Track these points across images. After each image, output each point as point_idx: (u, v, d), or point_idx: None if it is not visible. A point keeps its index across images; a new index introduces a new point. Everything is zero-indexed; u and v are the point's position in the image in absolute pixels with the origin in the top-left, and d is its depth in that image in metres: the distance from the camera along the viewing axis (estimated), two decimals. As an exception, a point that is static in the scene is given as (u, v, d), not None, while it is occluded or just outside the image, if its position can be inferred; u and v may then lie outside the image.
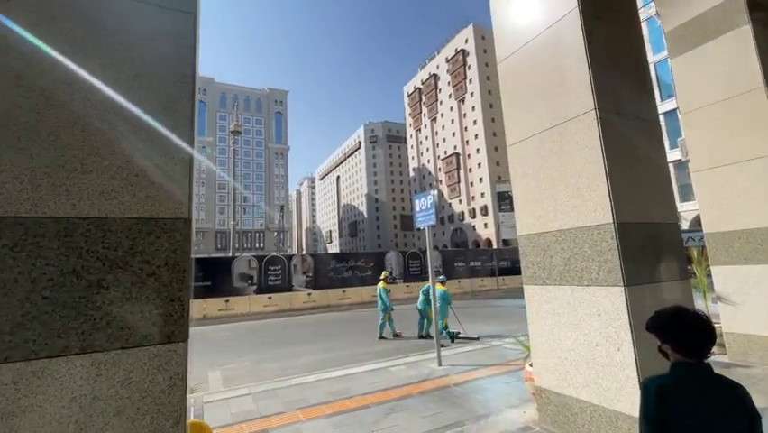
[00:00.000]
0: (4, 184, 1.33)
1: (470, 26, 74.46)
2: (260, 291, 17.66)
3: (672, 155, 39.50)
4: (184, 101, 1.69)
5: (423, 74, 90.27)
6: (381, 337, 9.76)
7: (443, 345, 8.89)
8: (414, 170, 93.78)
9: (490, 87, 71.50)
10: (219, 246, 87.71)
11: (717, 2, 5.40)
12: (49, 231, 1.36)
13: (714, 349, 1.50)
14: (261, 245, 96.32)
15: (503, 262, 25.62)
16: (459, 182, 74.82)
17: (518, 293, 12.32)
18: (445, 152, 79.61)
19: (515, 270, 25.58)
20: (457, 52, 76.68)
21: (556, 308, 3.36)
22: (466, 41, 75.28)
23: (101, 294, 1.42)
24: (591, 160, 3.11)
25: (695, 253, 7.20)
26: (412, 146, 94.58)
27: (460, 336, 9.07)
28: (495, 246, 59.38)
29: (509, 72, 4.07)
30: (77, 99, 1.49)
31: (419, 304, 9.70)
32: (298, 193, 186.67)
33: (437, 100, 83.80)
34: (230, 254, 19.48)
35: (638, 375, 2.74)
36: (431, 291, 8.64)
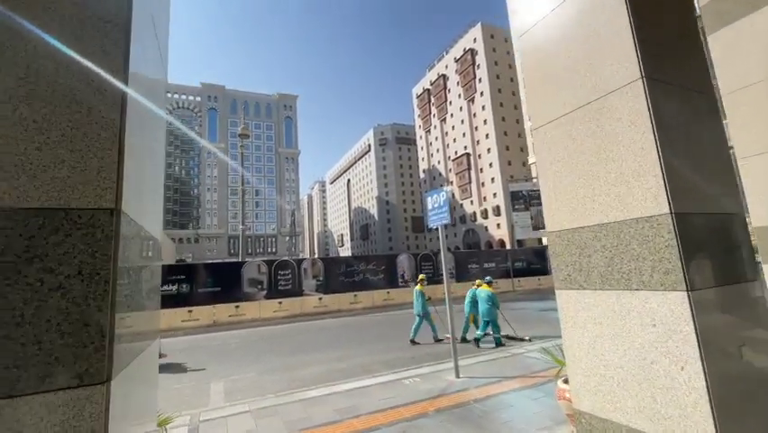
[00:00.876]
0: None
1: (479, 25, 73.72)
2: (270, 296, 17.34)
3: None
4: (109, 45, 1.25)
5: (431, 75, 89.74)
6: (414, 342, 9.20)
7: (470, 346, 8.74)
8: (424, 171, 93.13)
9: (500, 86, 70.59)
10: (232, 252, 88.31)
11: (763, -33, 4.80)
12: None
13: None
14: (274, 250, 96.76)
15: (518, 263, 24.84)
16: (470, 183, 73.89)
17: (535, 295, 11.67)
18: (456, 152, 78.81)
19: (530, 271, 24.83)
20: (465, 52, 75.97)
21: (597, 316, 2.83)
22: (474, 40, 74.53)
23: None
24: (638, 139, 2.59)
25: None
26: (422, 148, 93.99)
27: (509, 336, 8.89)
28: (508, 247, 58.27)
29: (532, 46, 3.56)
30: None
31: (466, 307, 9.43)
32: (309, 197, 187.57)
33: (446, 101, 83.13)
34: (239, 259, 19.23)
35: (710, 401, 2.21)
36: (477, 295, 8.96)
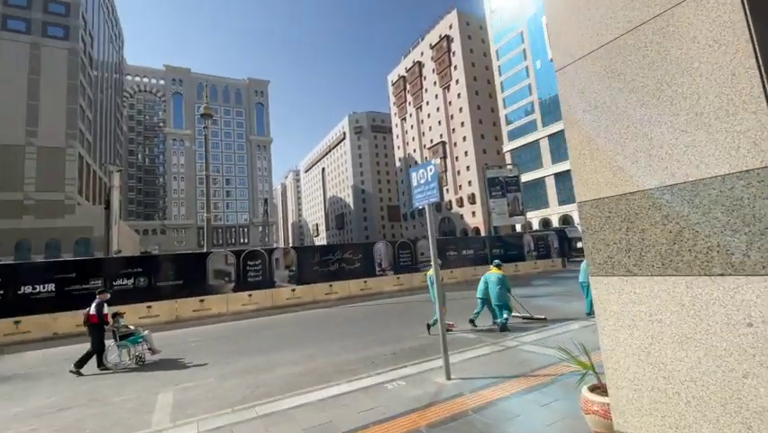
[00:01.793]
0: None
1: (455, 11, 72.86)
2: (238, 289, 16.19)
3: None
4: None
5: (406, 62, 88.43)
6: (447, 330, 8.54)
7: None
8: (400, 159, 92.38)
9: (475, 74, 70.32)
10: (202, 243, 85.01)
11: None
12: None
13: None
14: (246, 240, 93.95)
15: (495, 250, 24.62)
16: (446, 171, 73.81)
17: (514, 282, 11.12)
18: (431, 140, 78.39)
19: (508, 257, 24.64)
20: (441, 38, 75.08)
21: (655, 311, 2.11)
22: (450, 26, 73.68)
23: None
24: (726, 63, 1.83)
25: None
26: (397, 136, 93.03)
27: (526, 317, 8.98)
28: (483, 234, 58.74)
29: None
30: None
31: (479, 292, 8.94)
32: (283, 186, 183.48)
33: (422, 88, 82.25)
34: (204, 250, 17.88)
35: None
36: (487, 279, 8.72)
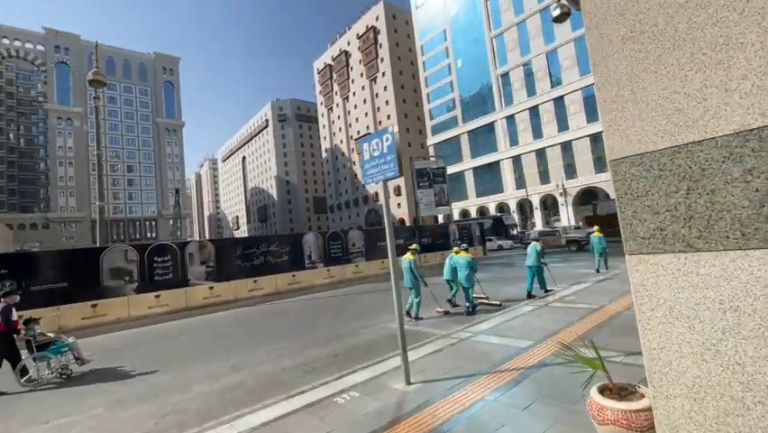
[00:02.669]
0: None
1: (381, 3, 72.56)
2: (143, 290, 13.83)
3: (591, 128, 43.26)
4: None
5: (333, 50, 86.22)
6: (418, 318, 8.52)
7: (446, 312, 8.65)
8: (326, 150, 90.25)
9: (401, 68, 71.06)
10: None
11: None
12: None
13: None
14: (154, 235, 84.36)
15: (424, 240, 24.90)
16: (373, 163, 73.83)
17: (438, 270, 11.03)
18: (358, 132, 77.73)
19: (435, 246, 25.11)
20: (368, 29, 74.39)
21: (729, 296, 1.61)
22: (377, 18, 73.32)
23: None
24: None
25: None
26: (324, 126, 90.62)
27: (483, 301, 9.12)
28: (408, 225, 60.13)
29: None
30: None
31: (446, 275, 9.15)
32: (198, 176, 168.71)
33: (349, 78, 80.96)
34: (98, 245, 15.00)
35: None
36: (456, 262, 8.82)
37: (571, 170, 43.74)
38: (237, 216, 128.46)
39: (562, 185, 43.89)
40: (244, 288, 15.96)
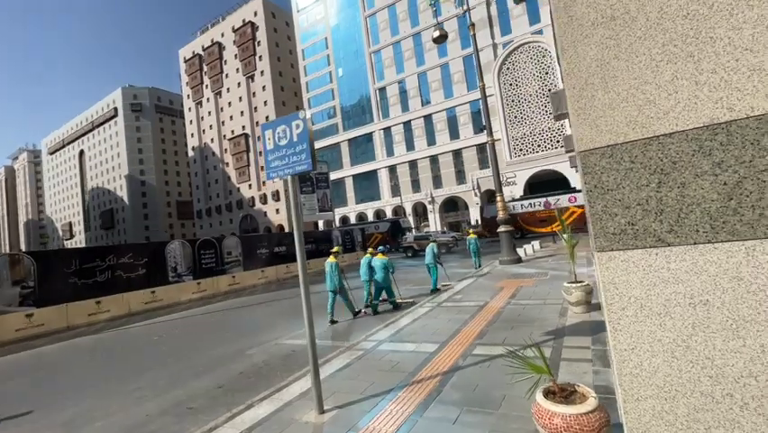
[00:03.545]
0: None
1: (260, -1, 68.95)
2: None
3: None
4: None
5: (204, 39, 78.18)
6: (333, 321, 8.53)
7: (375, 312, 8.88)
8: (194, 149, 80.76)
9: (281, 69, 68.57)
10: None
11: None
12: None
13: None
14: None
15: (308, 246, 24.06)
16: (248, 166, 69.04)
17: (323, 277, 10.85)
18: (233, 131, 71.84)
19: (319, 253, 24.51)
20: (245, 24, 69.81)
21: (698, 291, 1.60)
22: (255, 13, 69.42)
23: None
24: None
25: None
26: (191, 121, 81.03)
27: (398, 301, 9.39)
28: (287, 231, 57.87)
29: None
30: None
31: (363, 276, 9.17)
32: (10, 170, 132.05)
33: (222, 72, 74.37)
34: None
35: None
36: (373, 263, 9.06)
37: (437, 181, 48.36)
38: (71, 223, 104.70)
39: (431, 194, 48.18)
40: (82, 312, 12.70)
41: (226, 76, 73.85)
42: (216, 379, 5.52)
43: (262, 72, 67.55)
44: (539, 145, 38.31)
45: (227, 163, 73.27)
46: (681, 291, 1.64)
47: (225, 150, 73.62)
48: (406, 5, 50.42)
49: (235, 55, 71.72)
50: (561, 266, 11.62)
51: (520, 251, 15.37)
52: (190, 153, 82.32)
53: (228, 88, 73.34)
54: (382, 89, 52.71)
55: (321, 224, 57.14)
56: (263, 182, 67.43)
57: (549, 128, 37.63)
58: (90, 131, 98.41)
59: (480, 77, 15.20)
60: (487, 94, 15.18)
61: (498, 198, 14.76)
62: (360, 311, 9.16)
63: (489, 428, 2.95)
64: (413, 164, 50.04)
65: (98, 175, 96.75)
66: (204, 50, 77.52)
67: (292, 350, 6.54)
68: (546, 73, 37.29)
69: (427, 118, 48.74)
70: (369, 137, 54.21)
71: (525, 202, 30.94)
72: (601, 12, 1.78)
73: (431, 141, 48.46)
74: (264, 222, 66.58)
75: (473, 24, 15.36)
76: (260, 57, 67.94)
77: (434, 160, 48.31)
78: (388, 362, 4.95)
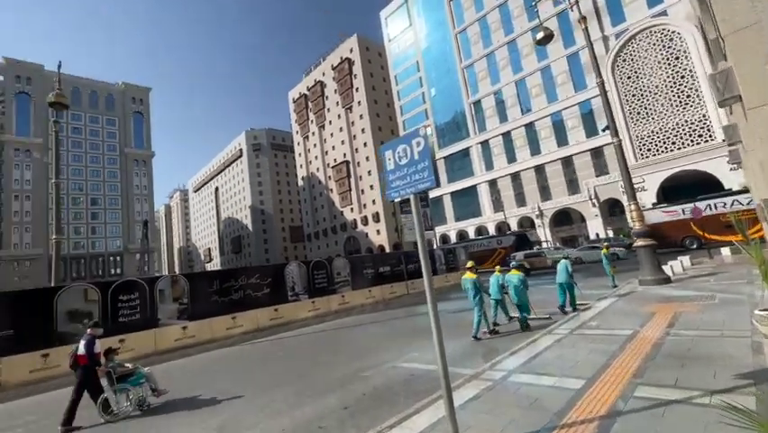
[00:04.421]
0: None
1: (354, 36, 74.52)
2: (106, 333, 12.13)
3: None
4: None
5: (308, 80, 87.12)
6: (477, 338, 8.39)
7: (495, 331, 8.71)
8: (303, 178, 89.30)
9: (376, 97, 72.24)
10: (61, 277, 68.51)
11: None
12: None
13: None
14: (119, 271, 79.31)
15: (411, 266, 24.01)
16: (350, 190, 73.36)
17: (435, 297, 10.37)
18: (335, 159, 77.55)
19: (419, 272, 24.29)
20: (342, 60, 75.85)
21: None
22: (351, 50, 75.03)
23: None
24: None
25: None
26: (300, 154, 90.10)
27: (533, 317, 9.14)
28: (387, 252, 59.23)
29: None
30: None
31: (493, 294, 9.03)
32: (168, 208, 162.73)
33: (324, 107, 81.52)
34: (52, 284, 13.22)
35: None
36: (507, 280, 8.92)
37: (545, 192, 44.61)
38: (209, 249, 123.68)
39: (539, 207, 44.58)
40: (221, 326, 14.44)
41: (328, 110, 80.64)
42: (341, 399, 5.53)
43: (359, 102, 72.08)
44: (673, 143, 32.62)
45: (331, 189, 79.00)
46: None
47: (329, 177, 79.60)
48: (498, 15, 49.20)
49: (335, 90, 78.08)
50: (730, 287, 9.33)
51: (666, 268, 12.86)
52: (300, 183, 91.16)
53: (330, 121, 79.85)
54: (477, 103, 51.62)
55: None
56: (364, 205, 70.81)
57: (687, 121, 31.85)
58: (222, 170, 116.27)
59: (598, 71, 13.60)
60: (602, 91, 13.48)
61: (633, 207, 12.74)
62: (487, 331, 8.68)
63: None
64: (515, 176, 47.32)
65: (229, 207, 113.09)
66: (308, 89, 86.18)
67: (410, 374, 6.29)
68: (677, 58, 32.00)
69: (529, 127, 45.94)
70: (465, 152, 53.19)
71: (703, 204, 24.80)
72: None
73: (534, 150, 45.36)
74: (366, 243, 69.45)
75: (584, 17, 13.96)
76: (357, 88, 72.72)
77: (539, 170, 44.99)
78: (526, 397, 4.34)
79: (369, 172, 69.55)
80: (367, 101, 70.49)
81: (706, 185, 29.48)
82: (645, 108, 33.77)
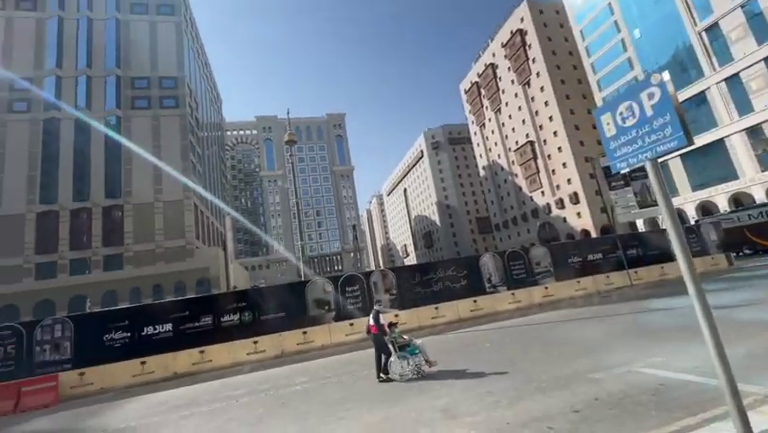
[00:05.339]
0: None
1: (524, 3, 68.12)
2: (339, 318, 14.95)
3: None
4: None
5: (478, 67, 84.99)
6: None
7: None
8: (484, 168, 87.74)
9: (558, 62, 63.91)
10: (307, 273, 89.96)
11: None
12: None
13: None
14: (339, 267, 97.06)
15: (631, 252, 20.03)
16: (538, 172, 67.36)
17: (666, 290, 7.78)
18: (516, 142, 72.84)
19: (648, 259, 19.88)
20: (513, 34, 70.56)
21: None
22: (522, 20, 68.93)
23: None
24: None
25: None
26: (478, 144, 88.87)
27: None
28: (594, 236, 51.17)
29: None
30: None
31: None
32: (368, 212, 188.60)
33: (498, 90, 77.73)
34: (302, 279, 17.20)
35: None
36: None
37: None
38: (405, 245, 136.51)
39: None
40: (426, 315, 15.56)
41: (503, 92, 76.57)
42: (568, 401, 4.97)
43: (538, 74, 65.51)
44: None
45: (516, 174, 74.66)
46: None
47: (513, 162, 75.44)
48: None
49: (508, 68, 73.43)
50: None
51: None
52: (481, 173, 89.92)
53: (507, 102, 75.61)
54: (711, 27, 38.43)
55: (641, 223, 47.16)
56: (557, 186, 63.92)
57: None
58: (408, 172, 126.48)
59: None
60: None
61: None
62: None
63: None
64: (789, 117, 33.14)
65: (417, 205, 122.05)
66: (479, 76, 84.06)
67: (659, 383, 5.11)
68: None
69: (805, 42, 31.47)
70: (700, 98, 39.95)
71: None
72: None
73: (820, 73, 30.75)
74: (564, 228, 62.43)
75: None
76: (533, 59, 66.31)
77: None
78: None
79: (558, 149, 62.23)
80: (548, 69, 63.28)
81: None
82: None
